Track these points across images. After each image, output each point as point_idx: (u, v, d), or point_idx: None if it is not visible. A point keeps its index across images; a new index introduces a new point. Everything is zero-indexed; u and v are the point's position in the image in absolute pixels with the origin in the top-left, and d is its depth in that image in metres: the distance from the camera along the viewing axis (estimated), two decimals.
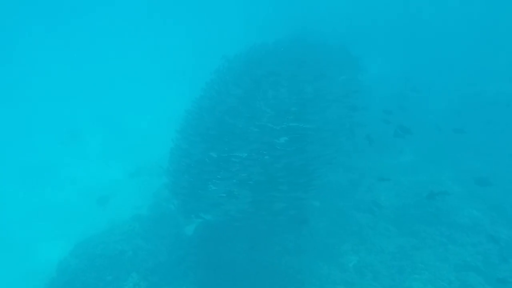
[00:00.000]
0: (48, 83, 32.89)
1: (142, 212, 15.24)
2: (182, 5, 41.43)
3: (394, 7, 27.43)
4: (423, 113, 19.59)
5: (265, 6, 30.98)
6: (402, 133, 13.89)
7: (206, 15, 39.22)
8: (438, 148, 17.11)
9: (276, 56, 17.25)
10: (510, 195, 13.87)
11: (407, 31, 25.84)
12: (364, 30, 25.22)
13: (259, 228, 12.99)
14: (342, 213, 14.25)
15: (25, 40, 41.82)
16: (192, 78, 20.88)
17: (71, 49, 38.25)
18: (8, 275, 16.21)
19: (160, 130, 19.21)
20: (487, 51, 22.99)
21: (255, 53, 17.57)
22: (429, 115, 19.52)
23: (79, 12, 45.24)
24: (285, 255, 12.75)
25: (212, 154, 12.56)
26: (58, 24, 43.42)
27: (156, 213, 14.72)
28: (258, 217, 11.89)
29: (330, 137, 14.61)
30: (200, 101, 15.40)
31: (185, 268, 12.41)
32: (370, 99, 18.35)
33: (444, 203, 13.59)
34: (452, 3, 27.15)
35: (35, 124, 25.53)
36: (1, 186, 20.83)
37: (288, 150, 12.33)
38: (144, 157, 19.84)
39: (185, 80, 17.84)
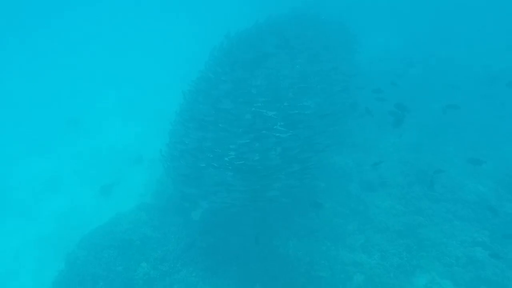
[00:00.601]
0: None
1: (147, 200, 15.18)
2: None
3: None
4: (419, 88, 19.41)
5: None
6: (400, 111, 13.77)
7: None
8: (437, 124, 17.00)
9: (277, 35, 16.77)
10: None
11: (408, 5, 25.28)
12: (364, 7, 24.65)
13: (261, 213, 13.10)
14: (348, 193, 14.25)
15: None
16: (193, 60, 20.47)
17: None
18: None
19: (161, 114, 18.86)
20: (490, 26, 22.54)
21: (256, 32, 17.08)
22: (424, 89, 19.37)
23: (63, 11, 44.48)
24: (292, 238, 12.78)
25: (207, 142, 12.38)
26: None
27: (161, 200, 14.65)
28: (256, 204, 11.91)
29: (331, 118, 14.58)
30: (197, 83, 15.10)
31: (194, 255, 12.44)
32: (368, 78, 18.19)
33: (450, 179, 13.61)
34: None
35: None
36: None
37: (284, 136, 12.19)
38: (146, 143, 19.83)
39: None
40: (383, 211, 13.37)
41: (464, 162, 14.66)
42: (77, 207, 17.12)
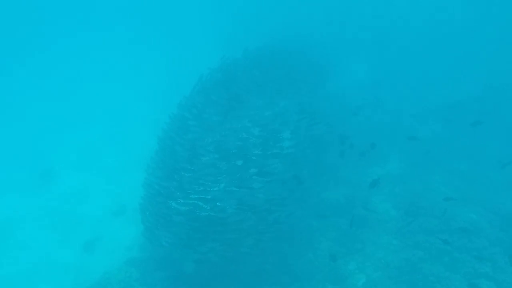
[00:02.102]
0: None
1: (134, 254, 14.33)
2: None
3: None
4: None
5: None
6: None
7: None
8: (419, 153, 17.36)
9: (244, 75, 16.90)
10: (502, 194, 14.24)
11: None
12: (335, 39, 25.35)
13: (259, 260, 12.72)
14: (342, 231, 14.05)
15: None
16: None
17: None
18: None
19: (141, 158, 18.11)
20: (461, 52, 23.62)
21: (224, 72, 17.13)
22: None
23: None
24: (294, 282, 12.38)
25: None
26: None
27: (151, 253, 13.86)
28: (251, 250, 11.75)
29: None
30: (169, 129, 14.94)
31: None
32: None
33: (441, 209, 13.73)
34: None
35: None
36: None
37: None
38: (127, 190, 18.84)
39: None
40: (381, 247, 13.24)
41: (451, 190, 14.99)
42: (60, 266, 15.75)
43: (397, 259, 12.67)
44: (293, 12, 28.00)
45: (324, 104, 17.46)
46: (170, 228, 11.84)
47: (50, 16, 48.78)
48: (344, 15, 27.62)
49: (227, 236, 11.47)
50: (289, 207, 12.66)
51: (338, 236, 13.84)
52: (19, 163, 22.98)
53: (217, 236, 11.50)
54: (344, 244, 13.56)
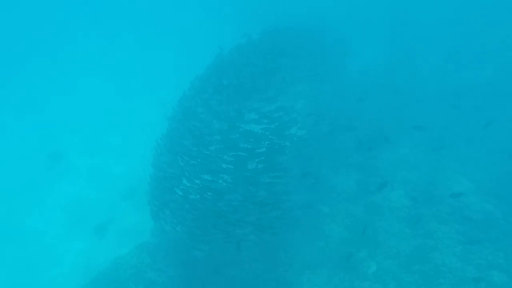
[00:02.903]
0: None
1: (146, 238, 14.39)
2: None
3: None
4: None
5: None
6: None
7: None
8: (432, 138, 17.04)
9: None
10: None
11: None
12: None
13: (270, 246, 12.75)
14: (354, 217, 14.00)
15: None
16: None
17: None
18: None
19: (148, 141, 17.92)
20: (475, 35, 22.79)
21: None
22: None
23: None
24: (305, 271, 12.44)
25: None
26: None
27: (162, 238, 13.95)
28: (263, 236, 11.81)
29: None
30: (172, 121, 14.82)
31: None
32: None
33: (455, 198, 13.55)
34: None
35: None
36: None
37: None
38: (136, 173, 18.60)
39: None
40: (392, 235, 13.18)
41: (465, 178, 14.75)
42: (71, 251, 15.91)
43: (408, 248, 12.64)
44: None
45: (334, 90, 17.10)
46: (174, 213, 11.86)
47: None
48: None
49: (233, 227, 11.47)
50: (298, 195, 12.62)
51: (349, 223, 13.79)
52: (29, 148, 23.01)
53: (222, 226, 11.52)
54: (355, 231, 13.53)
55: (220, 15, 32.67)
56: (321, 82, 16.94)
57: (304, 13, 23.11)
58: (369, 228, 13.47)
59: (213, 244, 11.87)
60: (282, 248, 12.89)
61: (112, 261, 13.23)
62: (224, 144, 12.50)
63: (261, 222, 11.49)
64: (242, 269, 12.38)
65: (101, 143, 22.64)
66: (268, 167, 12.08)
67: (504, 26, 22.48)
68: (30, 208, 18.98)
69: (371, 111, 17.93)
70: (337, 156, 16.14)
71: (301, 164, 14.12)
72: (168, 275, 12.60)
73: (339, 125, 15.63)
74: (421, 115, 18.05)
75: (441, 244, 12.44)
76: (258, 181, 11.88)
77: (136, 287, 12.01)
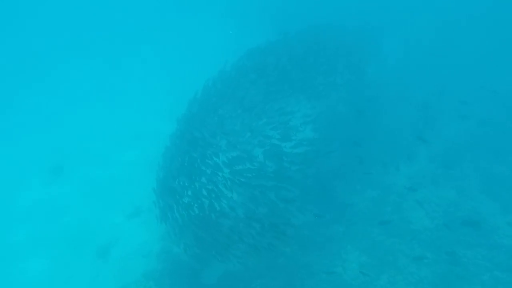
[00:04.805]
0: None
1: (152, 263, 13.58)
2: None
3: None
4: None
5: None
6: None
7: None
8: (451, 151, 16.23)
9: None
10: None
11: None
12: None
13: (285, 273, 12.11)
14: (371, 239, 13.24)
15: None
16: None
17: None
18: None
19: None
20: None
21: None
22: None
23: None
24: None
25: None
26: None
27: (168, 263, 13.22)
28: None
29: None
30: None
31: None
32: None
33: (481, 220, 12.78)
34: None
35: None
36: None
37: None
38: (141, 191, 17.49)
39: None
40: (414, 261, 12.40)
41: (490, 197, 13.94)
42: (73, 276, 15.00)
43: (431, 275, 11.86)
44: None
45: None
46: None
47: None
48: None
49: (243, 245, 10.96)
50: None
51: (367, 246, 13.04)
52: (31, 160, 22.34)
53: (233, 245, 11.13)
54: (374, 255, 12.77)
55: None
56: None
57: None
58: (389, 252, 12.71)
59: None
60: (299, 275, 12.16)
61: None
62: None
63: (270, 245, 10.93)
64: None
65: (104, 158, 21.81)
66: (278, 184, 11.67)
67: None
68: (28, 224, 18.42)
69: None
70: (352, 171, 15.38)
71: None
72: None
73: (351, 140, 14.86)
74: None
75: (467, 271, 11.68)
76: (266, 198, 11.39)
77: None
